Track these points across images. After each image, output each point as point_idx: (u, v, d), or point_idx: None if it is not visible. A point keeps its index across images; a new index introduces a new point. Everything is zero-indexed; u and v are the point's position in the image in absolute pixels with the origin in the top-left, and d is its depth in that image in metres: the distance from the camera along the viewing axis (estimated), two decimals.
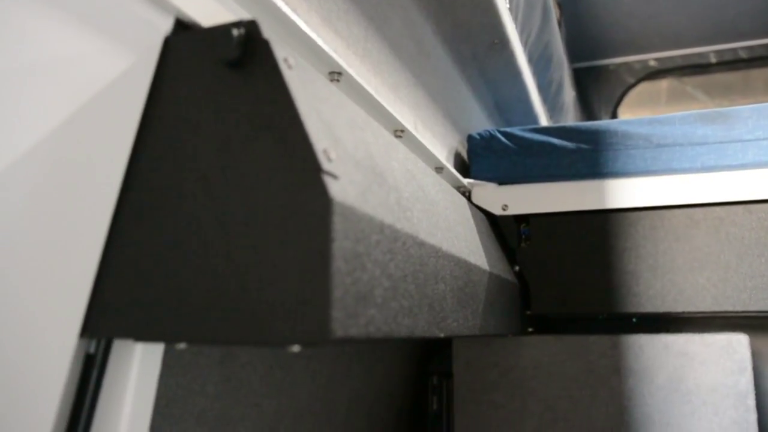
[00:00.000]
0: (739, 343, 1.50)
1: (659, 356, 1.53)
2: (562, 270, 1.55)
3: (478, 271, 1.10)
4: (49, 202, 0.60)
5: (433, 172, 1.23)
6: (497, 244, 1.52)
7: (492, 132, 1.63)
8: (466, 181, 1.58)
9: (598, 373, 1.56)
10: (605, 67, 4.21)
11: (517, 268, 1.58)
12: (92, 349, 0.66)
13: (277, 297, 0.58)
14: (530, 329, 1.66)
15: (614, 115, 4.14)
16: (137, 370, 0.68)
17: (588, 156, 1.55)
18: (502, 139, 1.61)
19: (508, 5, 1.58)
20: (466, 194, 1.61)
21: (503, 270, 1.37)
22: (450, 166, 1.47)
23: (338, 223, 0.59)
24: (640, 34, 3.98)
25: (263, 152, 0.62)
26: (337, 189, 0.61)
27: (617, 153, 1.54)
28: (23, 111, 0.57)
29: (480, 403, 1.62)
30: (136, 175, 0.68)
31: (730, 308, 1.45)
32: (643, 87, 4.31)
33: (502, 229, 1.60)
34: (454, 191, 1.33)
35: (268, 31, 0.67)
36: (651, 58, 4.21)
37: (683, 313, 1.51)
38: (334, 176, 0.62)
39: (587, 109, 4.14)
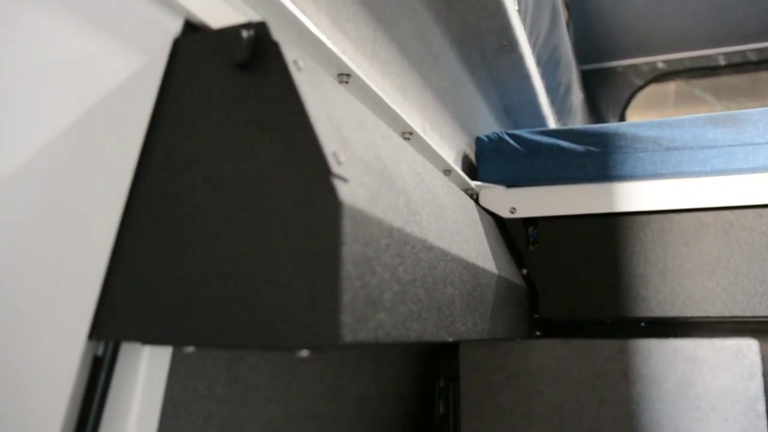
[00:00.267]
0: (748, 348, 1.49)
1: (668, 361, 1.52)
2: (570, 273, 1.54)
3: (486, 274, 1.09)
4: (58, 205, 0.60)
5: (442, 175, 1.22)
6: (505, 247, 1.51)
7: (500, 134, 1.63)
8: (474, 183, 1.58)
9: (606, 377, 1.55)
10: (613, 70, 4.19)
11: (524, 271, 1.57)
12: (100, 352, 0.66)
13: (286, 301, 0.57)
14: (538, 333, 1.65)
15: (622, 118, 4.12)
16: (145, 373, 0.68)
17: (597, 159, 1.54)
18: (510, 141, 1.60)
19: (517, 7, 1.58)
20: (474, 197, 1.60)
21: (511, 273, 1.36)
22: (458, 169, 1.46)
23: (348, 227, 0.59)
24: (649, 36, 3.97)
25: (272, 155, 0.62)
26: (347, 192, 0.60)
27: (626, 156, 1.53)
28: (33, 112, 0.57)
29: (487, 406, 1.61)
30: (144, 178, 0.67)
31: (739, 313, 1.44)
32: (651, 89, 4.29)
33: (510, 232, 1.59)
34: (462, 194, 1.32)
35: (277, 33, 0.66)
36: (659, 60, 4.19)
37: (692, 317, 1.50)
38: (343, 179, 0.61)
39: (595, 112, 4.12)
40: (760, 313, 1.42)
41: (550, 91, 2.21)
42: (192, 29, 0.72)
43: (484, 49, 1.61)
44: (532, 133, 1.60)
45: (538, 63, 1.95)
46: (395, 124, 1.15)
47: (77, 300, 0.62)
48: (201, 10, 0.71)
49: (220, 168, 0.64)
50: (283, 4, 0.83)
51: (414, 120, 1.36)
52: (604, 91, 4.18)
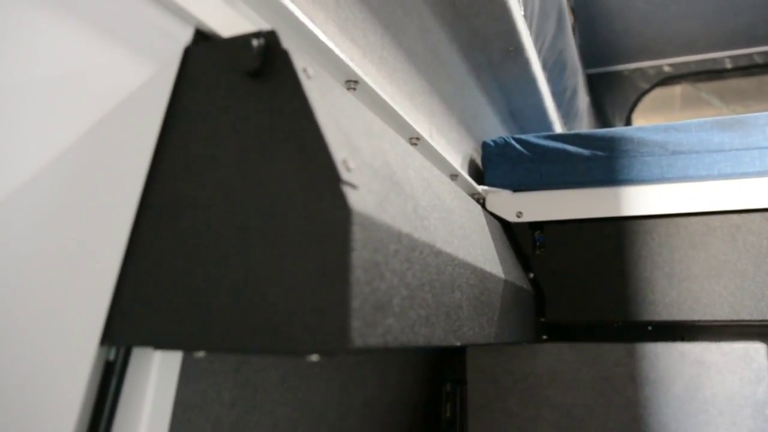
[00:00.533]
0: (756, 352, 1.48)
1: (675, 365, 1.52)
2: (577, 277, 1.54)
3: (493, 279, 1.10)
4: (71, 212, 0.61)
5: (448, 180, 1.23)
6: (511, 251, 1.51)
7: (506, 139, 1.63)
8: (480, 188, 1.58)
9: (613, 381, 1.55)
10: (619, 73, 4.19)
11: (531, 275, 1.57)
12: (112, 357, 0.66)
13: (297, 306, 0.58)
14: (545, 337, 1.65)
15: (628, 121, 4.12)
16: (156, 377, 0.69)
17: (603, 163, 1.54)
18: (517, 146, 1.61)
19: (523, 13, 1.58)
20: (481, 201, 1.61)
21: (518, 278, 1.37)
22: (464, 173, 1.46)
23: (357, 233, 0.59)
24: (654, 40, 3.97)
25: (283, 162, 0.63)
26: (356, 199, 0.61)
27: (632, 160, 1.53)
28: (47, 121, 0.58)
29: (493, 410, 1.61)
30: (156, 185, 0.68)
31: (747, 317, 1.44)
32: (657, 92, 4.29)
33: (516, 237, 1.60)
34: (469, 198, 1.33)
35: (287, 41, 0.67)
36: (665, 63, 4.19)
37: (699, 321, 1.50)
38: (353, 186, 0.62)
39: (601, 115, 4.12)
40: (767, 317, 1.42)
41: (556, 95, 2.21)
42: (202, 38, 0.73)
43: (490, 54, 1.62)
44: (539, 137, 1.61)
45: (544, 67, 1.95)
46: (403, 129, 1.16)
47: (89, 305, 0.63)
48: (211, 19, 0.72)
49: (231, 175, 0.65)
50: (292, 12, 0.84)
51: (421, 125, 1.37)
52: (610, 94, 4.18)
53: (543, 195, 1.59)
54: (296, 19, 0.85)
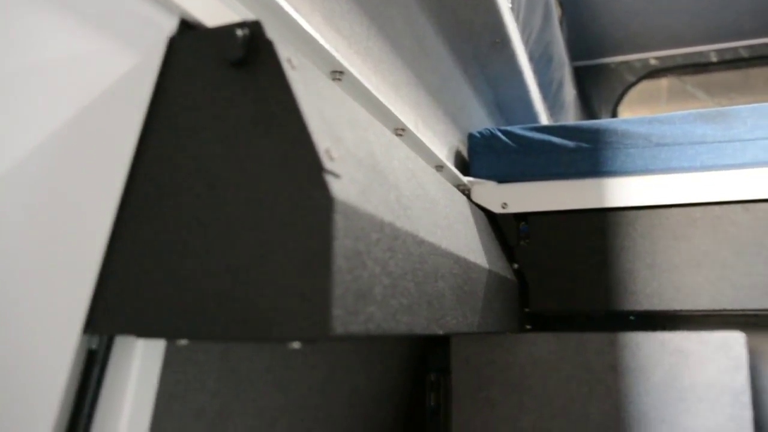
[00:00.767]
0: (735, 340, 1.51)
1: (656, 354, 1.54)
2: (561, 268, 1.56)
3: (477, 268, 1.11)
4: (54, 201, 0.61)
5: (434, 171, 1.23)
6: (496, 242, 1.53)
7: (492, 130, 1.64)
8: (466, 179, 1.59)
9: (595, 370, 1.57)
10: (606, 66, 4.21)
11: (516, 265, 1.59)
12: (94, 345, 0.67)
13: (279, 294, 0.59)
14: (528, 327, 1.67)
15: (614, 114, 4.14)
16: (139, 366, 0.69)
17: (588, 155, 1.55)
18: (503, 137, 1.62)
19: (510, 4, 1.59)
20: (466, 192, 1.62)
21: (502, 268, 1.38)
22: (450, 165, 1.47)
23: (339, 222, 0.60)
24: (641, 33, 3.99)
25: (266, 151, 0.63)
26: (339, 188, 0.62)
27: (617, 152, 1.54)
28: (28, 110, 0.58)
29: (477, 399, 1.63)
30: (139, 173, 0.69)
31: (727, 306, 1.46)
32: (644, 85, 4.31)
33: (501, 227, 1.61)
34: (454, 189, 1.34)
35: (271, 31, 0.67)
36: (651, 56, 4.21)
37: (680, 311, 1.52)
38: (335, 175, 0.63)
39: (588, 108, 4.14)
40: (747, 306, 1.45)
41: (543, 87, 2.23)
42: (187, 28, 0.73)
43: (476, 46, 1.62)
44: (524, 129, 1.62)
45: (531, 59, 1.96)
46: (388, 120, 1.16)
47: (72, 294, 0.63)
48: (196, 9, 0.72)
49: (214, 164, 0.65)
50: (277, 2, 0.84)
51: (406, 116, 1.38)
52: (597, 87, 4.20)
53: (528, 186, 1.60)
54: (281, 9, 0.86)
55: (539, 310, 1.58)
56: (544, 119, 2.28)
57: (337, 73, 1.02)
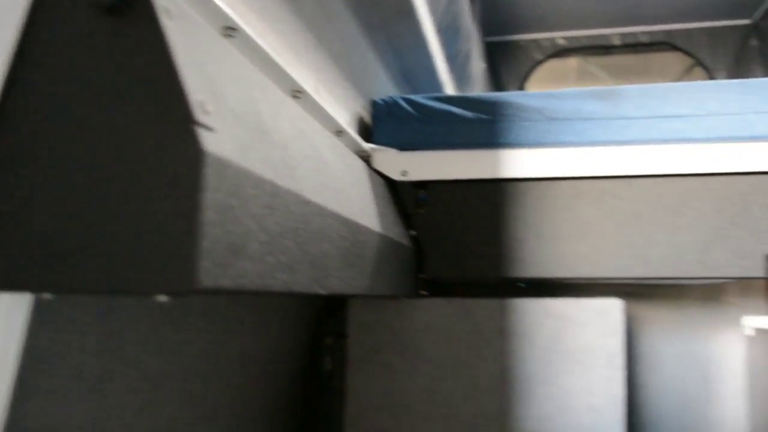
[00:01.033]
0: (613, 307, 1.61)
1: (541, 319, 1.62)
2: (456, 236, 1.61)
3: (368, 232, 1.13)
4: None
5: (331, 135, 1.24)
6: (394, 208, 1.55)
7: (395, 98, 1.66)
8: (367, 146, 1.60)
9: (485, 334, 1.64)
10: (516, 43, 4.31)
11: (413, 232, 1.62)
12: None
13: (146, 246, 0.58)
14: (423, 292, 1.72)
15: (522, 90, 4.26)
16: (1, 320, 0.67)
17: (485, 126, 1.60)
18: (405, 106, 1.64)
19: None
20: (367, 159, 1.63)
21: (397, 234, 1.41)
22: (351, 131, 1.48)
23: (210, 175, 0.60)
24: (550, 13, 4.10)
25: (138, 102, 0.62)
26: (211, 141, 0.61)
27: (513, 124, 1.59)
28: None
29: (372, 362, 1.67)
30: (5, 119, 0.65)
31: (607, 275, 1.55)
32: (555, 64, 4.45)
33: (400, 195, 1.64)
34: (352, 155, 1.34)
35: None
36: (559, 36, 4.35)
37: (566, 278, 1.61)
38: (209, 129, 0.62)
39: (497, 83, 4.23)
40: (626, 275, 1.54)
41: (450, 59, 2.26)
42: None
43: (382, 13, 1.62)
44: (426, 98, 1.64)
45: (438, 31, 1.98)
46: (284, 82, 1.15)
47: None
48: None
49: (85, 112, 0.63)
50: None
51: (306, 80, 1.36)
52: (506, 63, 4.30)
53: (428, 155, 1.63)
54: None
55: (434, 276, 1.62)
56: (450, 90, 2.32)
57: (230, 30, 0.99)
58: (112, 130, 0.61)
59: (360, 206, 1.15)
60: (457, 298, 1.66)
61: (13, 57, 0.66)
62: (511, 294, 1.82)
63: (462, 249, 1.60)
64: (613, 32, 4.35)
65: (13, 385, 0.68)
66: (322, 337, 1.84)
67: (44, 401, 0.82)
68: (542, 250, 1.57)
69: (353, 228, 1.05)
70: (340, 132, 1.41)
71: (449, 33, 2.17)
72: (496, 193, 1.60)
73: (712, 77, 4.28)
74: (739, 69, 4.19)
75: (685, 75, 4.38)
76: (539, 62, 4.34)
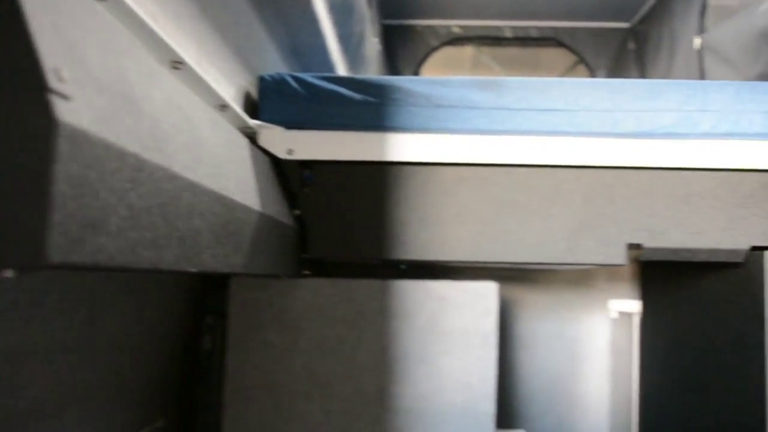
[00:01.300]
0: (488, 289, 1.68)
1: (420, 300, 1.67)
2: (341, 216, 1.61)
3: (245, 210, 1.11)
4: None
5: (213, 110, 1.20)
6: (278, 187, 1.54)
7: (283, 75, 1.63)
8: (253, 122, 1.57)
9: (366, 314, 1.66)
10: (413, 27, 4.37)
11: (297, 212, 1.61)
12: None
13: None
14: (307, 272, 1.72)
15: (416, 75, 4.32)
16: None
17: (373, 109, 1.61)
18: (293, 84, 1.61)
19: None
20: (252, 136, 1.60)
21: (279, 212, 1.39)
22: (236, 106, 1.44)
23: (64, 146, 0.56)
24: (448, 1, 4.18)
25: None
26: (66, 110, 0.58)
27: (400, 109, 1.61)
28: None
29: (253, 341, 1.66)
30: None
31: (485, 259, 1.61)
32: (451, 52, 4.55)
33: (286, 173, 1.62)
34: (234, 131, 1.31)
35: None
36: (455, 24, 4.44)
37: (446, 261, 1.66)
38: (64, 97, 0.59)
39: (393, 66, 4.27)
40: (502, 260, 1.61)
41: (342, 39, 2.25)
42: None
43: None
44: (315, 77, 1.63)
45: (331, 9, 1.97)
46: (162, 51, 1.10)
47: None
48: None
49: None
50: None
51: (187, 51, 1.31)
52: (403, 47, 4.35)
53: (315, 135, 1.62)
54: None
55: (317, 256, 1.62)
56: (342, 70, 2.31)
57: None
58: None
59: (238, 183, 1.13)
60: (339, 278, 1.68)
61: None
62: (392, 275, 1.85)
63: (346, 230, 1.61)
64: (506, 24, 4.50)
65: None
66: (203, 316, 1.80)
67: None
68: (424, 234, 1.61)
69: (229, 205, 1.03)
70: (224, 107, 1.37)
71: (342, 12, 2.16)
72: (381, 176, 1.62)
73: (593, 75, 4.52)
74: (617, 69, 4.46)
75: (569, 71, 4.61)
76: (435, 48, 4.42)
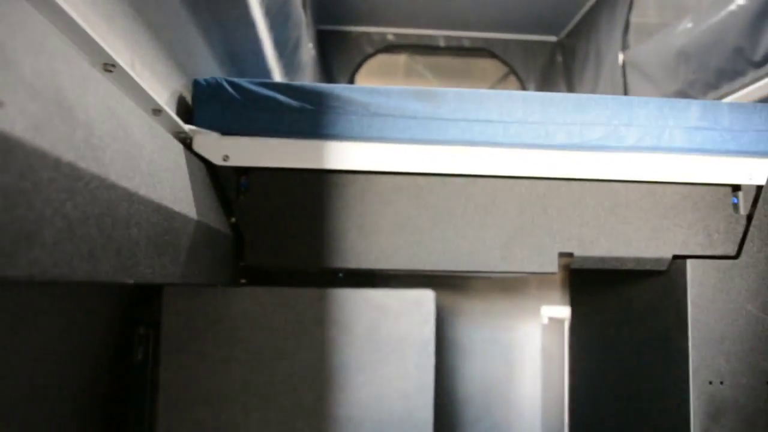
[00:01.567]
0: (426, 297, 1.70)
1: (359, 308, 1.67)
2: (278, 224, 1.59)
3: (181, 218, 1.08)
4: None
5: (145, 114, 1.16)
6: (214, 194, 1.50)
7: (219, 80, 1.60)
8: (187, 127, 1.53)
9: (304, 323, 1.65)
10: (348, 34, 4.38)
11: (233, 219, 1.58)
12: None
13: None
14: (243, 281, 1.69)
15: (351, 82, 4.33)
16: None
17: (310, 116, 1.60)
18: (229, 88, 1.58)
19: None
20: (187, 141, 1.56)
21: (215, 220, 1.36)
22: (170, 111, 1.40)
23: None
24: (383, 8, 4.21)
25: None
26: None
27: (338, 117, 1.61)
28: None
29: (187, 352, 1.61)
30: None
31: (422, 267, 1.62)
32: (385, 59, 4.58)
33: (221, 180, 1.59)
34: (169, 136, 1.28)
35: None
36: (389, 32, 4.47)
37: (384, 270, 1.66)
38: None
39: (327, 72, 4.26)
40: (438, 267, 1.63)
41: (279, 44, 2.22)
42: None
43: None
44: (251, 83, 1.60)
45: (267, 14, 1.95)
46: (94, 53, 1.06)
47: None
48: None
49: None
50: None
51: (120, 53, 1.27)
52: (338, 53, 4.35)
53: (251, 141, 1.60)
54: None
55: (255, 264, 1.60)
56: (278, 76, 2.29)
57: None
58: None
59: (174, 191, 1.10)
60: (276, 287, 1.66)
61: None
62: (330, 284, 1.84)
63: (283, 238, 1.59)
64: (440, 34, 4.57)
65: None
66: (134, 327, 1.74)
67: None
68: (362, 242, 1.60)
69: (165, 214, 1.00)
70: (157, 111, 1.33)
71: (279, 18, 2.14)
72: (318, 184, 1.61)
73: (523, 86, 4.65)
74: (546, 81, 4.60)
75: (500, 81, 4.72)
76: (370, 55, 4.44)
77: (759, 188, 1.67)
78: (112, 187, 0.78)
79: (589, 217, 1.64)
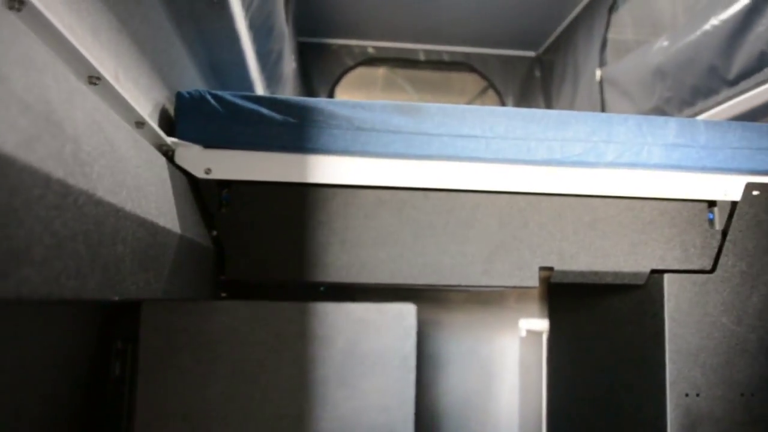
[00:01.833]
0: (407, 311, 1.70)
1: (340, 323, 1.66)
2: (260, 238, 1.59)
3: (166, 233, 1.07)
4: None
5: (130, 127, 1.16)
6: (195, 207, 1.49)
7: (202, 93, 1.59)
8: (170, 140, 1.52)
9: (285, 338, 1.64)
10: (328, 46, 4.39)
11: (215, 233, 1.57)
12: None
13: None
14: (224, 294, 1.68)
15: (331, 94, 4.33)
16: None
17: (294, 130, 1.60)
18: (212, 101, 1.58)
19: None
20: (170, 154, 1.55)
21: (197, 234, 1.35)
22: (153, 123, 1.39)
23: None
24: (363, 21, 4.23)
25: None
26: None
27: (321, 131, 1.61)
28: None
29: (166, 367, 1.59)
30: None
31: (404, 281, 1.62)
32: (364, 71, 4.59)
33: (203, 193, 1.58)
34: (153, 149, 1.27)
35: None
36: (370, 45, 4.50)
37: (366, 284, 1.66)
38: None
39: (308, 84, 4.27)
40: (419, 281, 1.63)
41: (261, 57, 2.22)
42: None
43: (192, 4, 1.55)
44: (235, 95, 1.60)
45: (251, 27, 1.95)
46: (80, 66, 1.05)
47: None
48: None
49: None
50: None
51: (104, 65, 1.26)
52: (318, 65, 4.36)
53: (234, 154, 1.59)
54: None
55: (235, 277, 1.59)
56: (260, 89, 2.29)
57: (16, 2, 0.89)
58: None
59: (158, 205, 1.09)
60: (257, 300, 1.65)
61: None
62: (312, 298, 1.84)
63: (265, 251, 1.59)
64: (419, 48, 4.60)
65: None
66: (111, 341, 1.72)
67: None
68: (344, 256, 1.60)
69: (150, 229, 0.99)
70: (141, 123, 1.32)
71: (262, 30, 2.14)
72: (301, 197, 1.61)
73: (502, 101, 4.70)
74: (525, 95, 4.65)
75: (480, 95, 4.76)
76: (350, 68, 4.45)
77: (734, 204, 1.71)
78: (100, 202, 0.78)
79: (569, 231, 1.66)
